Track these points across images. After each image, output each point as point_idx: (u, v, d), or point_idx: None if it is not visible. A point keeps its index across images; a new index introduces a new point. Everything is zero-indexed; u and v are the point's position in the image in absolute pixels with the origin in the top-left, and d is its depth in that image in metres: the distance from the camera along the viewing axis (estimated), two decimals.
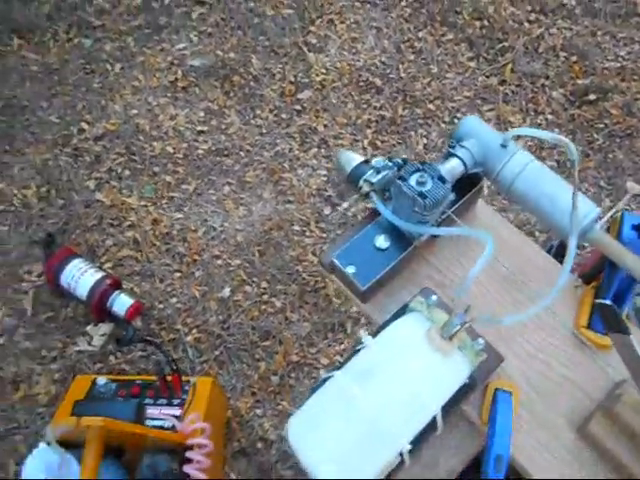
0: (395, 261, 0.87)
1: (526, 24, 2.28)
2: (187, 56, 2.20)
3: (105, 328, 1.70)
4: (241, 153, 2.02)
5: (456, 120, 2.07)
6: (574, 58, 2.18)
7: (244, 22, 2.28)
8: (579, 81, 2.12)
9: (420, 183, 0.82)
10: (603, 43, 2.26)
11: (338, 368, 0.77)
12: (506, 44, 2.21)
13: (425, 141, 2.02)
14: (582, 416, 0.84)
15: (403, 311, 0.82)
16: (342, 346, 1.72)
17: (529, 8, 2.32)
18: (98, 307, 1.67)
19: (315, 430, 0.68)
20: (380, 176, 0.86)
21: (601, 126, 2.04)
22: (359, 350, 0.76)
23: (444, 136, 2.03)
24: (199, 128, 2.06)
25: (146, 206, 1.91)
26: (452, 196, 0.85)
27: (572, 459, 0.83)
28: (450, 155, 0.87)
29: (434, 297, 0.79)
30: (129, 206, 1.91)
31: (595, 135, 2.03)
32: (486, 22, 2.25)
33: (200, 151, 2.02)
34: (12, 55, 2.22)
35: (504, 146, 0.85)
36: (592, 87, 2.10)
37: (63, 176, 1.97)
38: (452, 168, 0.86)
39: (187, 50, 2.22)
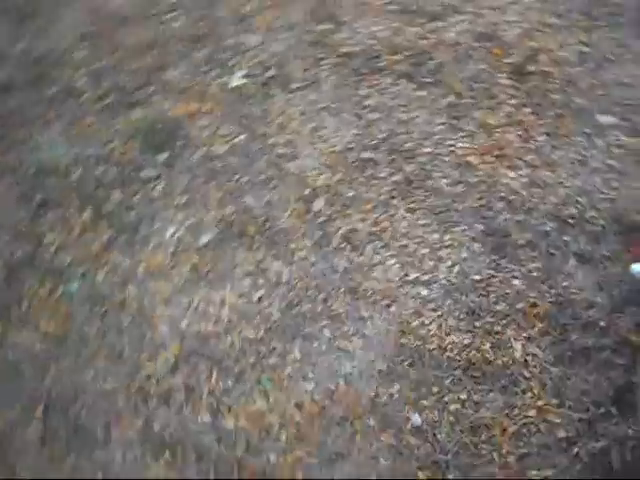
0: None
1: (429, 35, 2.45)
2: (186, 236, 2.04)
3: None
4: (310, 292, 1.96)
5: (451, 149, 2.19)
6: (488, 44, 2.41)
7: (206, 171, 2.15)
8: (509, 60, 2.36)
9: None
10: (490, 17, 2.52)
11: None
12: (432, 62, 2.37)
13: (445, 180, 2.12)
14: None
15: None
16: (529, 393, 1.80)
17: (422, 20, 2.50)
18: None
19: None
20: None
21: (551, 87, 2.30)
22: None
23: (456, 167, 2.14)
24: (255, 296, 1.95)
25: (277, 399, 1.79)
26: None
27: None
28: None
29: None
30: (262, 409, 1.77)
31: (553, 96, 2.29)
32: (405, 52, 2.38)
33: (274, 317, 1.91)
34: None
35: None
36: (524, 60, 2.34)
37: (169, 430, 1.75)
38: None
39: (181, 231, 2.05)
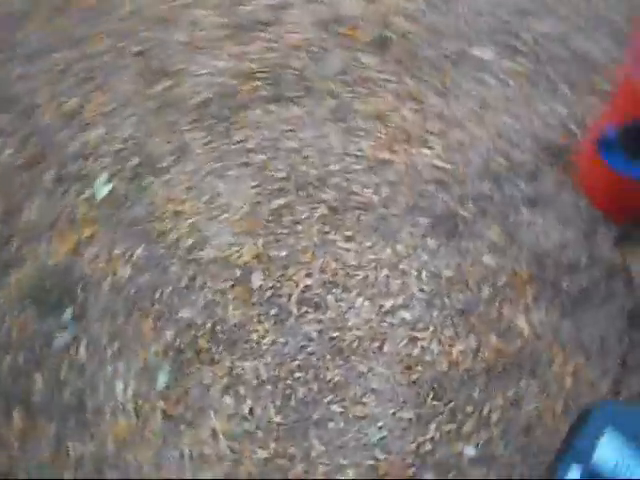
0: None
1: (274, 45, 2.22)
2: (141, 386, 1.75)
3: None
4: (297, 374, 1.74)
5: (357, 154, 2.01)
6: (337, 28, 2.22)
7: (123, 305, 1.85)
8: (364, 36, 2.18)
9: None
10: None
11: None
12: (291, 71, 2.15)
13: (367, 190, 1.95)
14: None
15: None
16: (555, 363, 1.71)
17: (257, 32, 2.25)
18: None
19: None
20: None
21: (417, 44, 2.16)
22: None
23: (371, 171, 1.97)
24: (245, 409, 1.71)
25: None
26: None
27: None
28: None
29: None
30: None
31: (423, 52, 2.14)
32: (259, 74, 2.14)
33: (276, 420, 1.68)
34: None
35: None
36: (378, 29, 2.17)
37: None
38: None
39: (132, 384, 1.76)
